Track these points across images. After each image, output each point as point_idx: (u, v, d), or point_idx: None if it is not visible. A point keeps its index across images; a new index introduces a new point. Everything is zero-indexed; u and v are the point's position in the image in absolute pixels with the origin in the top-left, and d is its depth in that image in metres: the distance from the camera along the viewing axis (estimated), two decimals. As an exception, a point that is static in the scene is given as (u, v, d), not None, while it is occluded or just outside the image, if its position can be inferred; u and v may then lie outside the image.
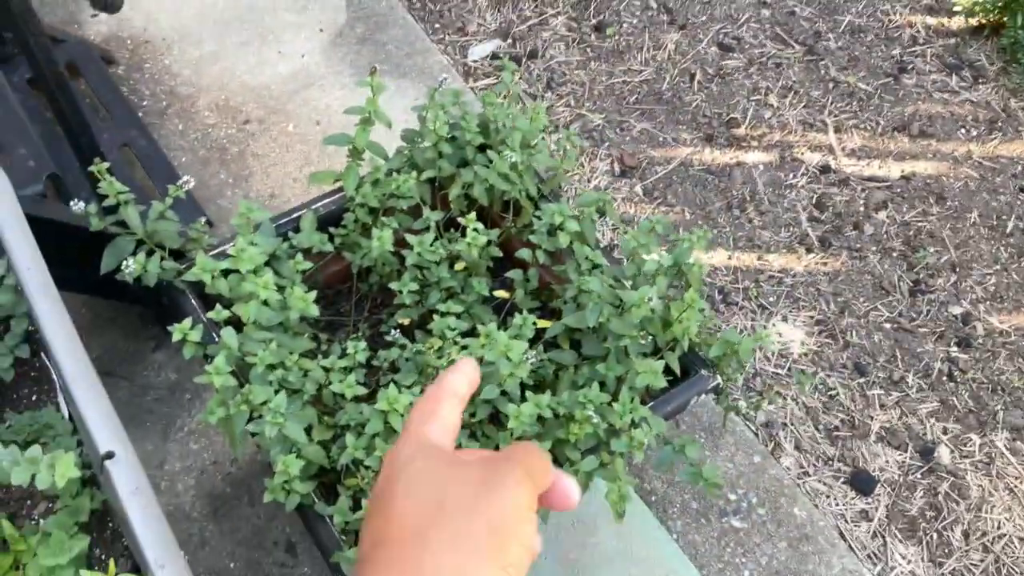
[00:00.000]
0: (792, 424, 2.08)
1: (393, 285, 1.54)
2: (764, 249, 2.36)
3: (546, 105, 2.59)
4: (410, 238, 1.52)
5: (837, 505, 1.98)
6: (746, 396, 2.11)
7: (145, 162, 2.21)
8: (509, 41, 2.72)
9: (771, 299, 2.27)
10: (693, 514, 1.93)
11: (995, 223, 2.43)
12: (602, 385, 1.45)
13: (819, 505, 1.98)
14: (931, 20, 2.83)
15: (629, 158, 2.50)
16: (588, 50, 2.72)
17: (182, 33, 2.62)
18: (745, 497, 1.96)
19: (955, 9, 2.80)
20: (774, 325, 2.22)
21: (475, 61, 2.67)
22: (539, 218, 1.55)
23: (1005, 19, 2.69)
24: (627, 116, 2.58)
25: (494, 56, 2.68)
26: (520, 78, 2.64)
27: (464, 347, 1.42)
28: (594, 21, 2.78)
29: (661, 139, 2.54)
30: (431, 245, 1.52)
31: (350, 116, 1.59)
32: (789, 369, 2.16)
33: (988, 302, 2.29)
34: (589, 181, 2.45)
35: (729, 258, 2.34)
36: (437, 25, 2.75)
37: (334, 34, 2.65)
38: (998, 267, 2.35)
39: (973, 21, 2.79)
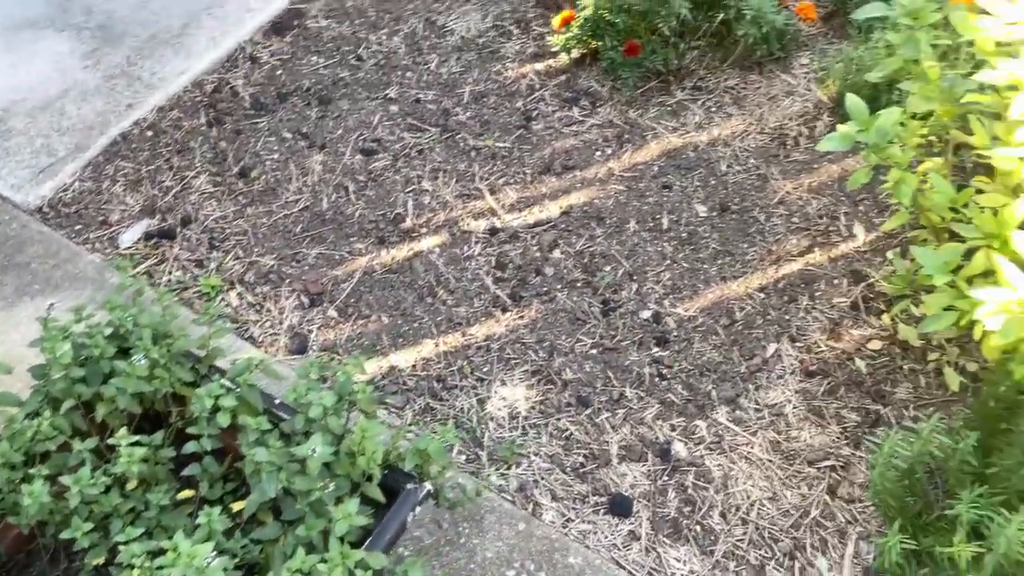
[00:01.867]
0: (542, 478, 2.14)
1: (65, 534, 1.44)
2: (465, 324, 2.43)
3: (214, 265, 2.56)
4: (65, 479, 1.43)
5: (607, 537, 2.05)
6: (495, 469, 2.15)
7: None
8: (158, 217, 2.66)
9: (485, 369, 2.33)
10: (481, 607, 1.93)
11: (652, 224, 2.64)
12: (311, 546, 1.42)
13: (590, 545, 2.04)
14: (540, 65, 3.07)
15: (313, 286, 2.51)
16: (240, 198, 2.71)
17: None
18: (523, 568, 1.99)
19: (554, 49, 3.06)
20: (496, 392, 2.29)
21: (128, 248, 2.59)
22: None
23: (598, 44, 2.96)
24: (298, 247, 2.60)
25: (147, 236, 2.62)
26: (180, 248, 2.59)
27: (158, 568, 1.35)
28: (236, 169, 2.78)
29: (337, 257, 2.57)
30: (91, 478, 1.44)
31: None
32: (523, 429, 2.22)
33: (670, 296, 2.48)
34: (281, 323, 2.43)
35: (436, 345, 2.39)
36: (79, 226, 2.65)
37: (-32, 274, 2.49)
38: (668, 262, 2.55)
39: (574, 54, 3.05)
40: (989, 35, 1.88)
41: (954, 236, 2.09)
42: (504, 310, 2.46)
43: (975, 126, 2.00)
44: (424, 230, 2.64)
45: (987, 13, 1.93)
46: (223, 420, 1.47)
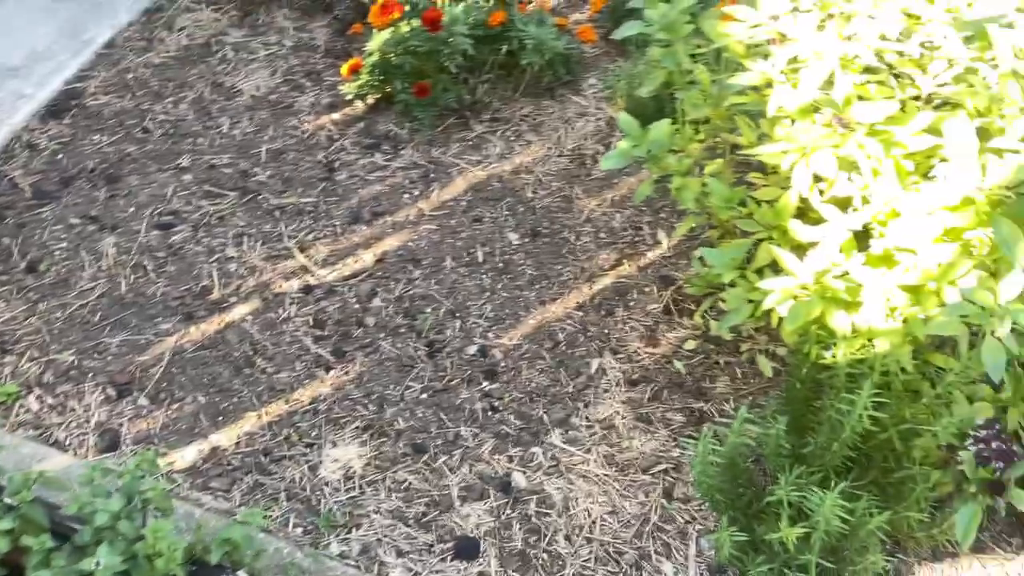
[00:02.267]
0: (385, 535, 2.08)
1: None
2: (288, 390, 2.35)
3: (8, 371, 2.38)
4: None
5: (457, 584, 2.01)
6: (335, 536, 2.08)
7: None
8: (-62, 328, 2.46)
9: (314, 433, 2.26)
10: None
11: (468, 259, 2.64)
12: (116, 663, 1.32)
13: (441, 595, 2.00)
14: (336, 115, 3.04)
15: (120, 375, 2.37)
16: (30, 295, 2.54)
17: None
18: (375, 633, 1.92)
19: (348, 97, 3.03)
20: (328, 455, 2.22)
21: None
22: (-28, 533, 1.38)
23: (390, 88, 2.96)
24: (99, 337, 2.45)
25: (-73, 353, 2.41)
26: (-33, 359, 2.40)
27: None
28: (23, 264, 2.61)
29: (143, 341, 2.44)
30: None
31: None
32: (360, 488, 2.16)
33: (494, 328, 2.48)
34: (88, 422, 2.28)
35: (260, 417, 2.30)
36: None
37: None
38: (488, 294, 2.56)
39: (369, 100, 3.04)
40: (738, 39, 1.98)
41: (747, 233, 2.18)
42: (328, 369, 2.40)
43: (741, 126, 2.10)
44: (234, 299, 2.54)
45: (736, 18, 2.04)
46: (2, 545, 1.35)
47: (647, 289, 2.54)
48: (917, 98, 1.96)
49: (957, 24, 1.75)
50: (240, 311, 2.51)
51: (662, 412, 2.28)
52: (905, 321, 1.79)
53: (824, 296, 1.83)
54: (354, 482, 2.17)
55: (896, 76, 1.99)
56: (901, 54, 1.85)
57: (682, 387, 2.33)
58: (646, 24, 2.06)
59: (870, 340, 1.84)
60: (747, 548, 1.95)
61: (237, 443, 2.25)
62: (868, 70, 1.85)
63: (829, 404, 1.86)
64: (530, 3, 3.11)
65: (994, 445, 1.77)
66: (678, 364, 2.37)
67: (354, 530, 2.09)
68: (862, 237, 2.00)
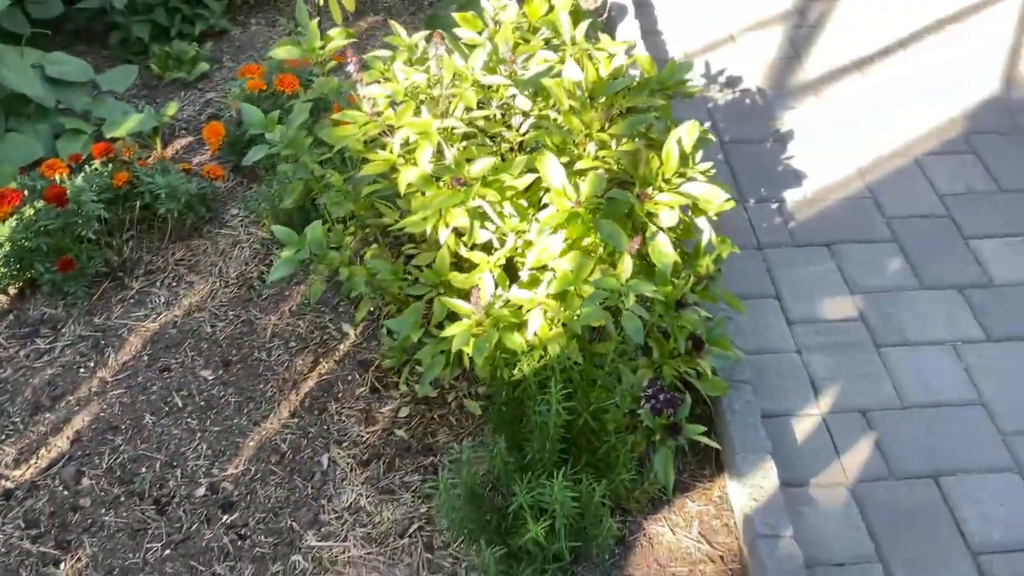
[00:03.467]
0: None
1: None
2: (18, 603, 2.20)
3: None
4: None
5: None
6: None
7: None
8: None
9: (63, 633, 2.14)
10: None
11: (167, 409, 2.64)
12: None
13: None
14: (-21, 316, 2.89)
15: None
16: None
17: None
18: None
19: (-11, 296, 2.90)
20: (86, 649, 2.11)
21: None
22: None
23: (31, 273, 2.88)
24: None
25: None
26: None
27: None
28: None
29: None
30: None
31: None
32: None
33: (216, 463, 2.51)
34: None
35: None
36: None
37: None
38: (199, 434, 2.58)
39: (12, 291, 2.93)
40: (355, 139, 2.27)
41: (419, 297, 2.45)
42: (57, 563, 2.28)
43: (382, 209, 2.38)
44: (-77, 535, 2.33)
45: (347, 122, 2.32)
46: None
47: (350, 378, 2.72)
48: (512, 149, 2.38)
49: (518, 84, 2.18)
50: (-66, 545, 2.31)
51: (400, 478, 2.46)
52: (564, 324, 2.15)
53: (497, 325, 2.14)
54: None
55: (491, 137, 2.40)
56: (487, 118, 2.24)
57: (410, 450, 2.53)
58: (271, 146, 2.28)
59: (545, 348, 2.18)
60: (512, 563, 2.18)
61: None
62: (467, 136, 2.22)
63: (532, 412, 2.16)
64: (148, 158, 3.21)
65: (661, 397, 2.17)
66: (399, 432, 2.57)
67: None
68: (512, 271, 2.36)
